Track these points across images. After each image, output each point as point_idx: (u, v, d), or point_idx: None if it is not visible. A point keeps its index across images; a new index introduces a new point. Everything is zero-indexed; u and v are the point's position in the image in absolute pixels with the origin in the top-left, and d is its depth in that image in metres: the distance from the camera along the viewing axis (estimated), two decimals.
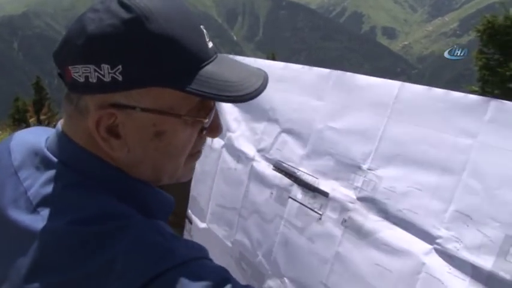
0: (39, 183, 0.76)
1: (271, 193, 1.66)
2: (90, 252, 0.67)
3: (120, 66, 0.67)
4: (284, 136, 1.65)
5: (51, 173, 0.76)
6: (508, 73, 16.86)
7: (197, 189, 2.16)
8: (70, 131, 0.77)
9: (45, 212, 0.72)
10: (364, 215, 1.30)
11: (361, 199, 1.33)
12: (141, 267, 0.65)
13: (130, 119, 0.73)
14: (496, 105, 1.06)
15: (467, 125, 1.10)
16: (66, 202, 0.73)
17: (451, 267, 1.08)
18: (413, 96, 1.23)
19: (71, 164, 0.76)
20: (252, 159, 1.79)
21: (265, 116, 1.75)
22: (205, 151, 2.08)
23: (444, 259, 1.10)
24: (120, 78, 0.68)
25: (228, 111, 1.98)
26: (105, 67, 0.67)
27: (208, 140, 1.97)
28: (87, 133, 0.74)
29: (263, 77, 0.83)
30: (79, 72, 0.69)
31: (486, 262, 1.01)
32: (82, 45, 0.68)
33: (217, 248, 1.95)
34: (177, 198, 2.40)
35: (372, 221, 1.28)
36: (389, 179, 1.25)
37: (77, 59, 0.69)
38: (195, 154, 0.86)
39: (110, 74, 0.68)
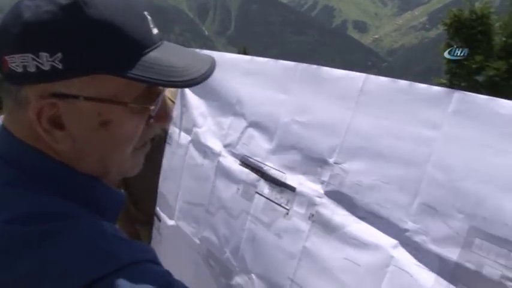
0: None
1: (238, 189, 1.64)
2: (21, 254, 0.63)
3: (59, 54, 0.64)
4: (250, 131, 1.62)
5: None
6: (474, 66, 17.28)
7: (165, 186, 2.12)
8: (10, 125, 0.73)
9: None
10: (332, 209, 1.29)
11: (328, 193, 1.31)
12: (79, 271, 0.61)
13: (74, 109, 0.69)
14: (460, 97, 1.05)
15: (431, 117, 1.09)
16: (1, 200, 0.69)
17: (418, 259, 1.08)
18: (378, 89, 1.22)
19: (10, 159, 0.72)
20: (219, 155, 1.76)
21: (232, 110, 1.72)
22: (172, 147, 2.04)
23: (411, 252, 1.09)
24: (60, 66, 0.65)
25: (195, 106, 1.95)
26: (44, 55, 0.64)
27: (176, 135, 1.95)
28: (28, 126, 0.70)
29: (210, 63, 0.80)
30: (16, 62, 0.65)
31: (452, 254, 1.01)
32: (18, 34, 0.65)
33: (186, 245, 1.92)
34: (145, 195, 2.35)
35: (339, 216, 1.27)
36: (356, 172, 1.24)
37: (13, 48, 0.66)
38: (144, 145, 0.82)
39: (49, 63, 0.64)
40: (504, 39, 17.56)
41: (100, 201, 0.77)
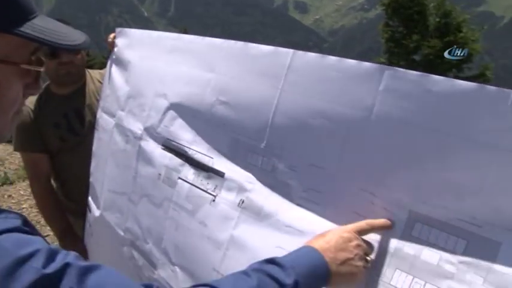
0: None
1: (160, 174, 1.52)
2: None
3: None
4: (172, 112, 1.50)
5: None
6: (411, 45, 17.85)
7: (94, 175, 1.98)
8: None
9: None
10: (265, 195, 1.21)
11: (261, 179, 1.23)
12: None
13: None
14: (391, 74, 0.98)
15: (362, 95, 1.02)
16: None
17: None
18: (307, 66, 1.13)
19: None
20: (140, 139, 1.63)
21: (153, 90, 1.59)
22: (99, 133, 1.90)
23: None
24: None
25: (119, 87, 1.80)
26: None
27: (102, 120, 1.81)
28: None
29: (85, 36, 0.84)
30: None
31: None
32: None
33: (111, 237, 1.79)
34: (74, 184, 2.21)
35: (272, 202, 1.19)
36: (289, 157, 1.16)
37: None
38: (18, 111, 0.81)
39: None
40: (438, 19, 18.22)
41: None
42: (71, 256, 0.67)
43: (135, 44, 1.76)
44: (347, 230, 0.96)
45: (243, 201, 1.26)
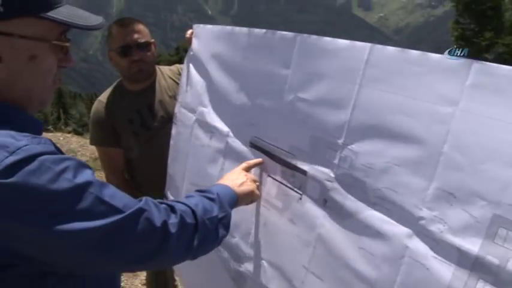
0: None
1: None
2: None
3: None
4: (257, 110, 1.51)
5: None
6: (483, 43, 16.91)
7: (173, 167, 2.05)
8: None
9: None
10: (344, 194, 1.19)
11: (339, 177, 1.21)
12: None
13: (10, 44, 0.91)
14: (479, 68, 0.91)
15: (447, 91, 0.96)
16: None
17: (435, 251, 0.97)
18: (386, 60, 1.08)
19: None
20: (227, 136, 1.67)
21: (235, 87, 1.62)
22: (178, 127, 1.96)
23: (427, 242, 0.99)
24: (1, 9, 0.87)
25: (199, 83, 1.85)
26: None
27: (181, 115, 1.87)
28: None
29: (101, 19, 1.05)
30: None
31: (473, 245, 0.90)
32: None
33: None
34: (148, 177, 2.27)
35: (351, 201, 1.17)
36: (366, 154, 1.13)
37: None
38: (56, 82, 1.04)
39: None
40: None
41: (19, 123, 0.94)
42: (90, 171, 0.93)
43: (211, 40, 1.78)
44: (236, 169, 1.46)
45: (326, 201, 1.25)
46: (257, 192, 1.43)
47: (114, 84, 2.33)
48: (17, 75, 0.94)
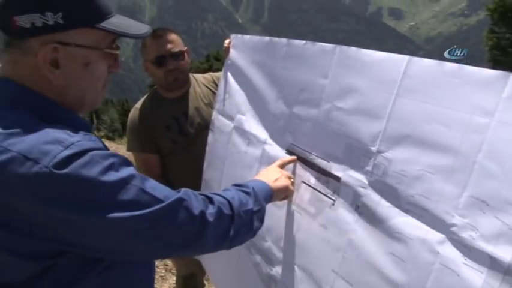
0: None
1: None
2: (4, 149, 0.91)
3: (60, 13, 0.97)
4: (294, 118, 1.57)
5: None
6: None
7: (209, 173, 2.11)
8: (8, 72, 1.02)
9: None
10: (376, 201, 1.22)
11: (372, 184, 1.24)
12: (50, 155, 0.90)
13: (67, 53, 1.01)
14: None
15: (483, 102, 0.98)
16: (5, 119, 0.96)
17: (466, 258, 0.99)
18: (423, 72, 1.12)
19: (12, 99, 1.01)
20: (264, 143, 1.72)
21: (273, 96, 1.67)
22: (215, 134, 2.02)
23: (459, 249, 1.00)
24: (61, 22, 0.98)
25: (237, 92, 1.91)
26: (49, 14, 0.96)
27: (219, 122, 1.94)
28: (32, 68, 1.00)
29: (148, 27, 1.16)
30: (25, 20, 0.96)
31: (505, 253, 0.91)
32: (29, 1, 0.96)
33: None
34: (183, 183, 2.36)
35: (384, 207, 1.20)
36: (400, 161, 1.16)
37: (21, 10, 0.95)
38: (105, 85, 1.15)
39: (53, 19, 0.97)
40: None
41: (71, 124, 1.02)
42: (133, 167, 1.02)
43: (250, 50, 1.84)
44: (271, 166, 1.53)
45: (358, 207, 1.29)
46: (291, 188, 1.49)
47: (150, 92, 2.41)
48: (72, 80, 1.04)
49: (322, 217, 1.41)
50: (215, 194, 1.21)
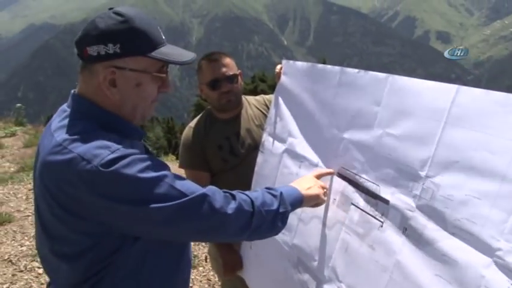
0: (57, 121, 1.29)
1: (334, 199, 1.67)
2: (69, 151, 1.18)
3: (118, 45, 1.22)
4: (346, 143, 1.63)
5: (65, 115, 1.29)
6: None
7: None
8: (83, 91, 1.30)
9: (55, 133, 1.25)
10: (423, 223, 1.27)
11: (420, 207, 1.29)
12: (99, 157, 1.14)
13: (123, 75, 1.26)
14: None
15: None
16: (68, 127, 1.24)
17: None
18: (471, 101, 1.18)
19: (74, 110, 1.29)
20: (316, 165, 1.79)
21: (326, 122, 1.75)
22: (265, 155, 2.12)
23: (505, 273, 1.04)
24: (119, 51, 1.23)
25: (289, 116, 1.99)
26: (110, 45, 1.22)
27: (269, 144, 2.03)
28: (96, 87, 1.27)
29: (192, 55, 1.37)
30: (93, 50, 1.23)
31: None
32: (96, 35, 1.22)
33: (276, 252, 1.98)
34: None
35: (431, 230, 1.24)
36: (447, 186, 1.21)
37: (92, 42, 1.23)
38: (155, 101, 1.37)
39: (113, 49, 1.22)
40: None
41: (126, 132, 1.31)
42: (167, 168, 1.25)
43: (301, 76, 1.93)
44: (307, 175, 1.66)
45: (406, 229, 1.33)
46: (323, 197, 1.61)
47: (204, 112, 2.51)
48: (126, 97, 1.29)
49: (371, 238, 1.46)
50: (241, 192, 1.38)
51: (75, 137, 1.20)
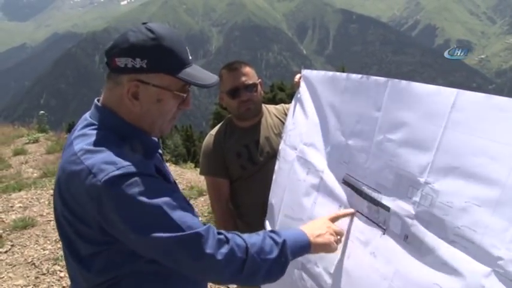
0: (77, 130, 1.34)
1: (340, 206, 1.66)
2: (81, 162, 1.22)
3: (146, 60, 1.25)
4: (350, 149, 1.62)
5: (86, 123, 1.34)
6: None
7: (273, 199, 2.19)
8: (106, 99, 1.35)
9: (74, 141, 1.29)
10: (423, 231, 1.25)
11: (419, 214, 1.27)
12: (104, 172, 1.17)
13: (146, 90, 1.29)
14: None
15: None
16: (86, 136, 1.28)
17: None
18: (472, 105, 1.15)
19: (95, 119, 1.34)
20: (322, 172, 1.79)
21: (333, 128, 1.75)
22: (280, 163, 2.14)
23: (505, 283, 1.01)
24: (145, 66, 1.26)
25: (302, 123, 2.00)
26: (138, 59, 1.25)
27: (284, 152, 2.14)
28: (119, 97, 1.31)
29: (216, 78, 1.39)
30: (121, 61, 1.26)
31: None
32: (126, 48, 1.26)
33: None
34: (250, 209, 2.41)
35: (430, 238, 1.22)
36: (447, 193, 1.18)
37: (121, 54, 1.26)
38: (174, 118, 1.40)
39: (140, 64, 1.25)
40: None
41: (144, 143, 1.35)
42: (170, 195, 1.23)
43: (317, 84, 1.94)
44: (322, 218, 1.56)
45: (407, 236, 1.31)
46: (334, 245, 1.50)
47: (225, 120, 2.54)
48: (147, 110, 1.33)
49: (373, 245, 1.45)
50: (240, 236, 1.34)
51: (89, 147, 1.24)
